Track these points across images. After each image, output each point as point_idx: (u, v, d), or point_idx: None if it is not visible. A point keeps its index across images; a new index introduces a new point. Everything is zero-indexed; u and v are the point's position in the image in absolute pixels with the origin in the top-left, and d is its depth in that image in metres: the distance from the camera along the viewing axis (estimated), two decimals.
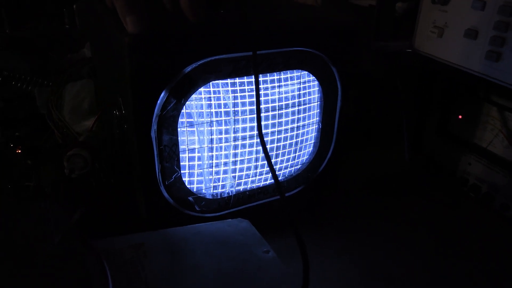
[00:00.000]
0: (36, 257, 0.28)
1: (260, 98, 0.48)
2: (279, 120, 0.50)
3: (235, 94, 0.47)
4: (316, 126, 0.54)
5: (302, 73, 0.50)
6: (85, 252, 0.29)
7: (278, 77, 0.49)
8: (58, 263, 0.28)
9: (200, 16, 0.41)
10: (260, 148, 0.50)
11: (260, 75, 0.47)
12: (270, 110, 0.49)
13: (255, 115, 0.48)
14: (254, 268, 0.34)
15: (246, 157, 0.50)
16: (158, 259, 0.33)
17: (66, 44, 0.91)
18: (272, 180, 0.54)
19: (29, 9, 0.97)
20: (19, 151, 0.55)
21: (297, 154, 0.54)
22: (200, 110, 0.45)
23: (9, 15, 0.91)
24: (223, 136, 0.48)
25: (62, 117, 0.61)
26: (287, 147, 0.53)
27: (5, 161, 0.56)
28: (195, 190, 0.49)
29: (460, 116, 0.65)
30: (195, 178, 0.49)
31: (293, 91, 0.50)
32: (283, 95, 0.50)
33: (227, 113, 0.47)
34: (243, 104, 0.47)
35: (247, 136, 0.49)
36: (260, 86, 0.48)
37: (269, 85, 0.48)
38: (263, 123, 0.49)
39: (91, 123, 0.68)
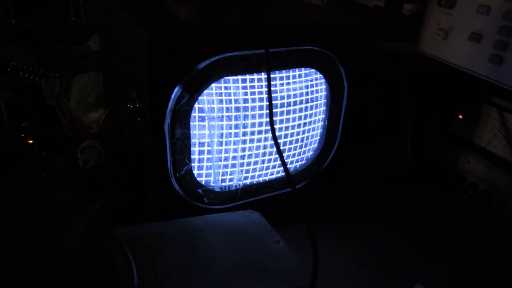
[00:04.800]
0: (62, 245, 0.29)
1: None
2: (287, 117, 0.52)
3: (246, 91, 0.48)
4: (322, 123, 0.55)
5: (310, 71, 0.51)
6: (108, 239, 0.31)
7: (287, 74, 0.50)
8: (83, 250, 0.29)
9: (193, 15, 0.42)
10: (267, 143, 0.52)
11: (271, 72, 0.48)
12: (278, 106, 0.51)
13: (264, 111, 0.49)
14: (267, 258, 0.36)
15: (254, 152, 0.52)
16: (176, 248, 0.34)
17: (71, 36, 0.92)
18: (278, 175, 0.55)
19: (35, 1, 0.97)
20: (31, 141, 0.56)
21: (303, 149, 0.55)
22: (211, 106, 0.47)
23: (15, 7, 0.92)
24: (233, 131, 0.49)
25: (72, 109, 0.62)
26: (294, 142, 0.54)
27: (16, 151, 0.57)
28: (204, 182, 0.50)
29: (460, 116, 0.66)
30: (204, 171, 0.50)
31: (301, 88, 0.51)
32: (292, 92, 0.51)
33: (237, 109, 0.48)
34: (253, 100, 0.49)
35: (256, 132, 0.50)
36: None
37: (278, 82, 0.50)
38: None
39: (98, 116, 0.69)
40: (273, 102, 0.50)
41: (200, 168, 0.50)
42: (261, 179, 0.54)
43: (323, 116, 0.55)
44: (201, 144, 0.48)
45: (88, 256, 0.29)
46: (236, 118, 0.49)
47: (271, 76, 0.49)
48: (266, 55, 0.43)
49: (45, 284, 0.27)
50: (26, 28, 0.89)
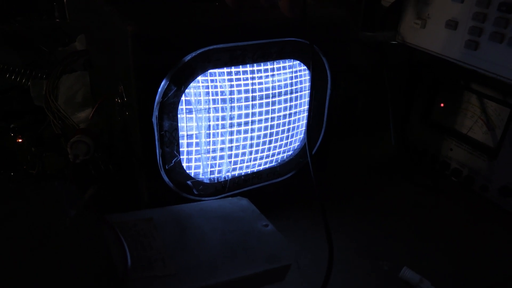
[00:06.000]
0: (55, 231, 0.30)
1: (255, 86, 0.51)
2: (273, 108, 0.53)
3: (231, 83, 0.49)
4: (307, 113, 0.56)
5: (294, 62, 0.52)
6: (101, 224, 0.32)
7: (272, 66, 0.51)
8: (76, 235, 0.30)
9: (296, 13, 0.45)
10: (254, 134, 0.53)
11: (255, 64, 0.49)
12: (264, 97, 0.52)
13: (250, 103, 0.51)
14: (255, 239, 0.37)
15: (241, 143, 0.53)
16: (167, 231, 0.35)
17: (57, 38, 0.92)
18: (266, 166, 0.56)
19: (19, 3, 0.97)
20: (20, 140, 0.56)
21: (289, 140, 0.57)
22: (198, 98, 0.48)
23: None
24: (220, 122, 0.50)
25: (61, 108, 0.63)
26: (280, 133, 0.55)
27: (5, 150, 0.57)
28: (193, 174, 0.51)
29: (442, 104, 0.68)
30: (193, 163, 0.51)
31: (285, 79, 0.53)
32: (276, 84, 0.52)
33: (223, 101, 0.49)
34: (239, 92, 0.50)
35: (242, 123, 0.51)
36: (254, 75, 0.50)
37: (263, 74, 0.51)
38: (257, 110, 0.52)
39: (85, 115, 0.70)
40: (258, 94, 0.51)
41: (189, 160, 0.50)
42: (249, 170, 0.55)
43: (308, 106, 0.56)
44: (189, 137, 0.49)
45: (81, 240, 0.30)
46: (223, 109, 0.49)
47: (256, 68, 0.50)
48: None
49: (39, 268, 0.28)
50: (11, 30, 0.89)
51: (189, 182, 0.51)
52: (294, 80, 0.53)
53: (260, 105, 0.52)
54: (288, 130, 0.56)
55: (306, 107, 0.56)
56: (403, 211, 0.61)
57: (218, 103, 0.49)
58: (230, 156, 0.53)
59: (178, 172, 0.49)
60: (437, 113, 0.69)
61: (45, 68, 0.79)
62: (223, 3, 0.50)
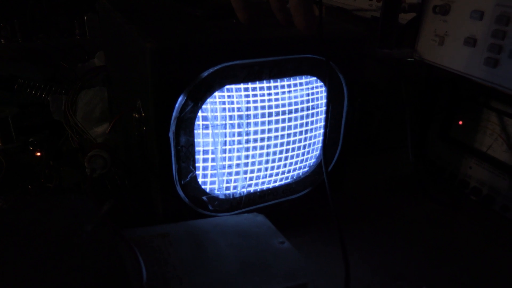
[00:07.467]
0: (71, 245, 0.30)
1: (271, 103, 0.51)
2: (289, 124, 0.53)
3: (248, 99, 0.49)
4: (324, 130, 0.56)
5: (311, 79, 0.52)
6: (117, 239, 0.32)
7: (288, 82, 0.51)
8: (93, 249, 0.30)
9: (312, 30, 0.45)
10: (270, 150, 0.53)
11: (272, 80, 0.50)
12: (280, 114, 0.52)
13: (266, 119, 0.51)
14: (272, 256, 0.36)
15: (257, 159, 0.52)
16: (183, 247, 0.35)
17: (76, 54, 0.94)
18: (282, 182, 0.56)
19: (41, 21, 1.00)
20: (38, 154, 0.57)
21: (305, 157, 0.56)
22: (215, 114, 0.48)
23: (22, 27, 0.94)
24: (236, 138, 0.50)
25: (79, 122, 0.64)
26: (296, 150, 0.55)
27: (24, 164, 0.58)
28: (208, 190, 0.51)
29: (460, 122, 0.67)
30: (209, 179, 0.51)
31: (302, 96, 0.53)
32: (293, 100, 0.52)
33: (240, 117, 0.49)
34: (255, 108, 0.50)
35: (258, 139, 0.51)
36: (271, 91, 0.50)
37: (279, 90, 0.51)
38: (273, 126, 0.51)
39: (103, 130, 0.71)
40: (275, 110, 0.51)
41: (204, 175, 0.50)
42: (264, 186, 0.55)
43: (324, 123, 0.56)
44: (205, 152, 0.49)
45: (97, 254, 0.30)
46: (239, 125, 0.50)
47: (272, 84, 0.50)
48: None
49: (54, 281, 0.28)
50: (33, 47, 0.91)
51: (204, 198, 0.50)
52: (311, 97, 0.53)
53: (277, 121, 0.52)
54: (304, 146, 0.55)
55: (323, 123, 0.56)
56: (421, 229, 0.60)
57: (234, 119, 0.49)
58: (245, 172, 0.52)
59: (194, 187, 0.49)
60: (455, 131, 0.68)
61: (64, 83, 0.81)
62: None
